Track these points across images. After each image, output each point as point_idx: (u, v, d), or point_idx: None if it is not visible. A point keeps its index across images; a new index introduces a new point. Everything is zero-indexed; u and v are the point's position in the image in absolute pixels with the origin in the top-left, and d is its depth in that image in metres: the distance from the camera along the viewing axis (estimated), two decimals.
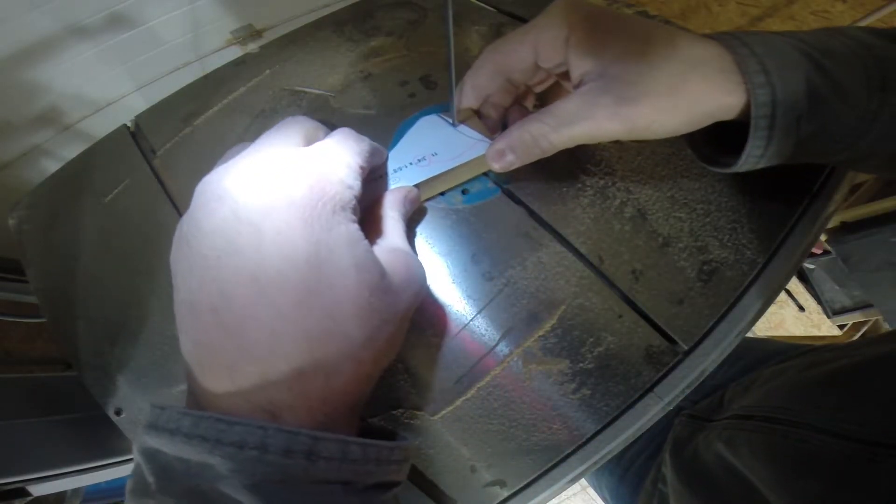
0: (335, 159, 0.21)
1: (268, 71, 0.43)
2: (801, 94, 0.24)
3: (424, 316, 0.30)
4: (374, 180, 0.29)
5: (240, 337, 0.17)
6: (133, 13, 0.78)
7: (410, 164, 0.30)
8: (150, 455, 0.17)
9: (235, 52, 0.93)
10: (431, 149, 0.30)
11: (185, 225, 0.19)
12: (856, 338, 1.14)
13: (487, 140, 0.30)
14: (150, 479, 0.16)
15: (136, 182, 0.38)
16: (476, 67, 0.29)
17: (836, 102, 0.24)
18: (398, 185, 0.29)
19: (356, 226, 0.20)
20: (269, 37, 0.94)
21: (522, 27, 0.27)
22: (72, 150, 0.44)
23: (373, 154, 0.26)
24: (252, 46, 0.74)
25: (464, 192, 0.34)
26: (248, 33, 0.93)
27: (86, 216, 0.38)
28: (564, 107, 0.26)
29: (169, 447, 0.16)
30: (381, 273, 0.20)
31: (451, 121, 0.31)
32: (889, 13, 0.97)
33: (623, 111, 0.24)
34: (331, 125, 0.26)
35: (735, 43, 0.25)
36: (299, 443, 0.16)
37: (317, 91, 0.41)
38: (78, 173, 0.41)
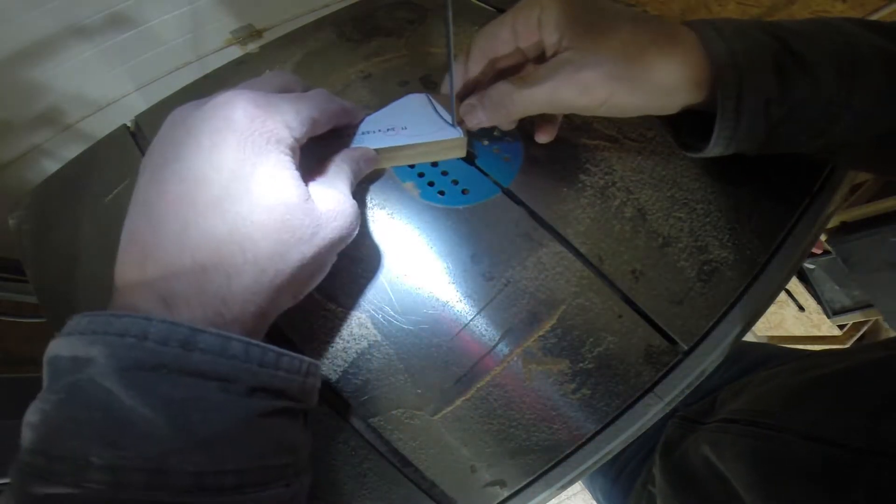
0: (286, 104, 0.22)
1: (268, 71, 0.43)
2: (769, 75, 0.24)
3: (424, 316, 0.30)
4: (338, 138, 0.30)
5: (158, 228, 0.19)
6: (133, 13, 0.78)
7: (379, 131, 0.30)
8: (49, 360, 0.18)
9: (235, 52, 0.93)
10: (404, 122, 0.31)
11: (152, 141, 0.22)
12: (856, 338, 1.14)
13: (460, 129, 0.31)
14: (45, 382, 0.18)
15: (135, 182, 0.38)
16: (466, 52, 0.30)
17: (805, 85, 0.24)
18: (361, 146, 0.30)
19: (288, 157, 0.22)
20: (269, 37, 0.94)
21: (505, 14, 0.28)
22: (72, 150, 0.44)
23: (339, 113, 0.27)
24: (252, 46, 0.74)
25: (464, 192, 0.34)
26: (248, 33, 0.93)
27: (86, 216, 0.38)
28: (532, 72, 0.27)
29: (66, 349, 0.17)
30: (304, 196, 0.21)
31: (438, 107, 0.32)
32: (889, 13, 0.97)
33: (580, 77, 0.25)
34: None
35: (702, 25, 0.25)
36: (178, 333, 0.17)
37: None
38: (78, 173, 0.41)
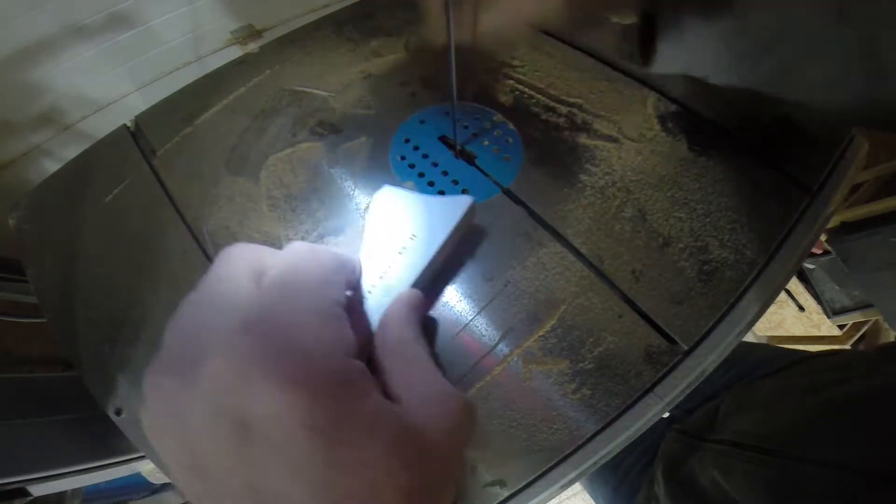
0: (318, 327, 0.17)
1: (268, 71, 0.43)
2: None
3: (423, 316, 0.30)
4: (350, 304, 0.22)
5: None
6: (133, 13, 0.78)
7: (393, 260, 0.24)
8: None
9: (235, 52, 0.92)
10: (406, 231, 0.25)
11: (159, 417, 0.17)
12: (856, 338, 1.14)
13: (463, 196, 0.27)
14: None
15: (136, 182, 0.38)
16: None
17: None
18: (387, 296, 0.23)
19: (374, 400, 0.16)
20: (269, 37, 0.94)
21: None
22: (72, 150, 0.43)
23: (350, 273, 0.21)
24: (252, 46, 0.74)
25: (463, 192, 0.34)
26: (248, 33, 0.92)
27: (86, 216, 0.38)
28: None
29: None
30: (421, 442, 0.16)
31: (409, 193, 0.27)
32: None
33: None
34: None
35: None
36: None
37: (317, 91, 0.41)
38: (78, 173, 0.41)
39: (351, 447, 0.15)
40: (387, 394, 0.18)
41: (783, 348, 0.52)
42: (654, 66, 0.27)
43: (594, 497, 0.58)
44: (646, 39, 0.29)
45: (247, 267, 0.19)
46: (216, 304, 0.18)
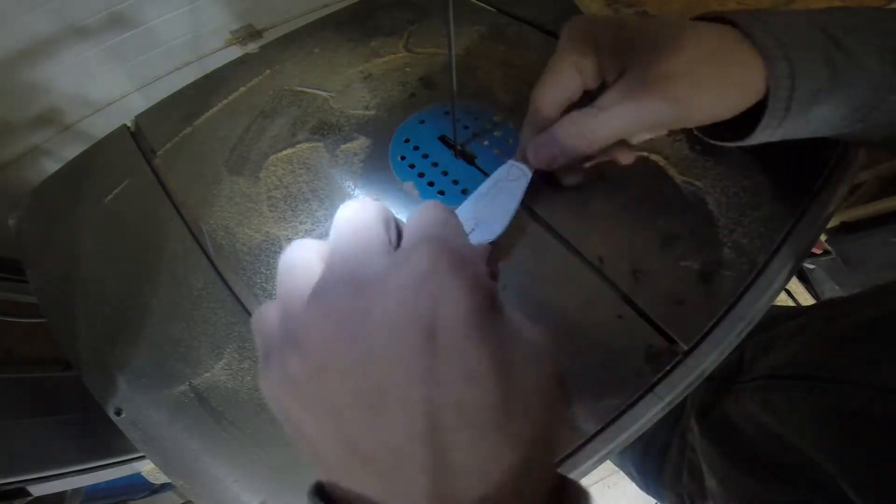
0: (462, 234, 0.18)
1: (268, 71, 0.43)
2: (819, 64, 0.24)
3: None
4: None
5: (450, 478, 0.14)
6: (133, 13, 0.78)
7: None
8: None
9: (235, 52, 0.92)
10: (468, 223, 0.27)
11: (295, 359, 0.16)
12: None
13: (509, 163, 0.29)
14: None
15: (136, 182, 0.38)
16: (532, 112, 0.29)
17: (854, 76, 0.24)
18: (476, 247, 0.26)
19: (517, 316, 0.17)
20: (269, 37, 0.94)
21: (550, 61, 0.27)
22: (72, 150, 0.43)
23: None
24: (252, 46, 0.74)
25: (463, 192, 0.34)
26: (248, 33, 0.92)
27: (86, 216, 0.38)
28: (605, 96, 0.25)
29: None
30: (557, 375, 0.18)
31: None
32: None
33: (661, 87, 0.24)
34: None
35: (748, 21, 0.25)
36: None
37: (317, 91, 0.41)
38: (78, 173, 0.41)
39: (506, 351, 0.15)
40: None
41: (787, 306, 0.52)
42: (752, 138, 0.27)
43: (622, 465, 0.57)
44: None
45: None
46: (373, 230, 0.18)
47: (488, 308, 0.16)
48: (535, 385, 0.16)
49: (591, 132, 0.26)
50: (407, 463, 0.14)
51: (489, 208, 0.28)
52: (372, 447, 0.15)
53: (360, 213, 0.18)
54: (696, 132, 0.31)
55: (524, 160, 0.29)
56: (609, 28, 0.26)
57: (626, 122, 0.25)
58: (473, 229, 0.27)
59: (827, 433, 0.30)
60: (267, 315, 0.17)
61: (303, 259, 0.18)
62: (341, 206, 0.18)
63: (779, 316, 0.46)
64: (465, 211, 0.28)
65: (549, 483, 0.17)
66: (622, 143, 0.30)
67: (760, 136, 0.26)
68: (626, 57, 0.25)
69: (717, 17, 0.26)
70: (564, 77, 0.27)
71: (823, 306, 0.42)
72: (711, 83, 0.24)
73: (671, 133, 0.35)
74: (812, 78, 0.24)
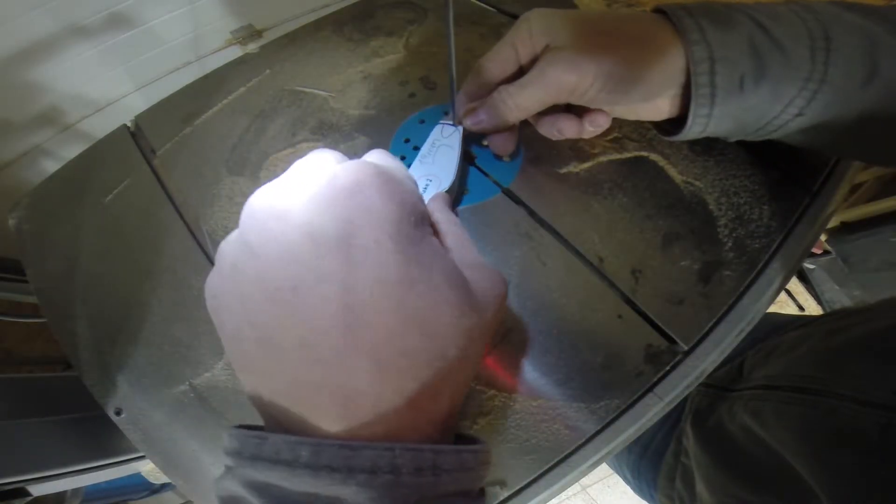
0: (402, 170, 0.20)
1: (268, 71, 0.43)
2: (743, 51, 0.24)
3: None
4: None
5: (345, 372, 0.16)
6: (133, 13, 0.78)
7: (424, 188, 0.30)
8: (262, 489, 0.15)
9: (235, 52, 0.92)
10: (427, 173, 0.31)
11: (234, 252, 0.17)
12: None
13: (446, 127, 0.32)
14: None
15: (136, 182, 0.38)
16: (471, 80, 0.31)
17: (779, 62, 0.24)
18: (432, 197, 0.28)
19: (437, 239, 0.19)
20: (269, 37, 0.94)
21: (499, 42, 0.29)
22: (72, 150, 0.44)
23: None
24: (252, 46, 0.74)
25: (463, 192, 0.34)
26: (248, 33, 0.93)
27: (86, 216, 0.38)
28: (530, 72, 0.27)
29: (288, 481, 0.15)
30: (468, 289, 0.19)
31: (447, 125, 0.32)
32: None
33: (566, 55, 0.26)
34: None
35: (676, 9, 0.26)
36: (425, 459, 0.16)
37: (317, 91, 0.41)
38: (78, 173, 0.41)
39: (421, 268, 0.17)
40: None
41: (792, 315, 0.52)
42: (683, 133, 0.28)
43: (618, 469, 0.57)
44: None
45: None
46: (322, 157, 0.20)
47: (410, 224, 0.17)
48: (440, 310, 0.17)
49: (508, 98, 0.28)
50: (315, 356, 0.16)
51: (435, 165, 0.31)
52: (285, 340, 0.16)
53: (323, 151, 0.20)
54: (651, 125, 0.31)
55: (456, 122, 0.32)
56: (556, 19, 0.27)
57: (535, 92, 0.27)
58: (427, 185, 0.30)
59: (810, 445, 0.30)
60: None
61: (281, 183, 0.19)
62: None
63: (783, 325, 0.46)
64: (415, 171, 0.31)
65: (443, 413, 0.18)
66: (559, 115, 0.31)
67: (696, 125, 0.27)
68: (553, 36, 0.27)
69: (657, 8, 0.27)
70: (503, 55, 0.29)
71: (825, 319, 0.42)
72: (632, 65, 0.25)
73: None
74: (734, 63, 0.24)
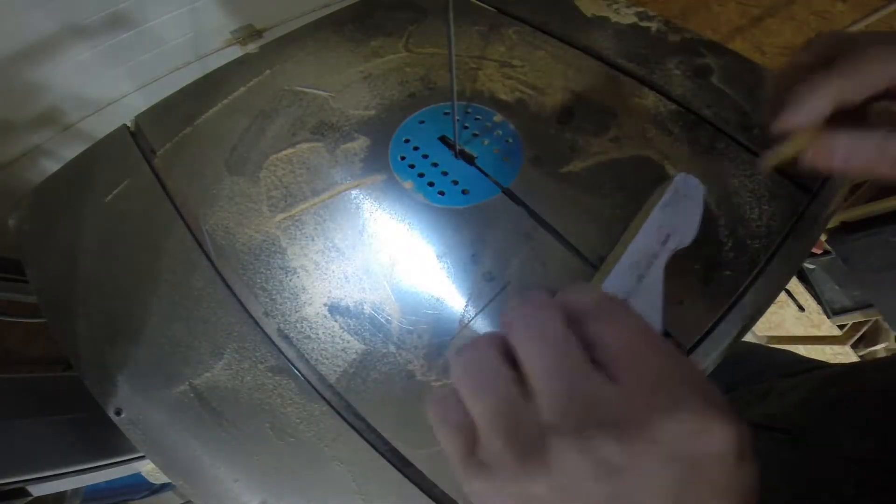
0: (711, 393, 0.16)
1: (268, 71, 0.43)
2: None
3: (424, 316, 0.30)
4: None
5: None
6: (133, 13, 0.78)
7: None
8: None
9: (235, 52, 0.92)
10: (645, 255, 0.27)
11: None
12: (856, 338, 1.14)
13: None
14: None
15: (136, 182, 0.38)
16: (811, 90, 0.22)
17: None
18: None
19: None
20: (269, 37, 0.94)
21: (853, 57, 0.22)
22: (72, 150, 0.43)
23: None
24: (252, 46, 0.74)
25: (464, 192, 0.34)
26: (248, 33, 0.92)
27: (86, 216, 0.38)
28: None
29: None
30: None
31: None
32: (889, 13, 0.97)
33: None
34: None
35: None
36: None
37: (317, 91, 0.41)
38: (78, 173, 0.41)
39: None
40: None
41: (797, 356, 0.52)
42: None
43: None
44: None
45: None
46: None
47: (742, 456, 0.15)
48: None
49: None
50: None
51: (676, 217, 0.29)
52: None
53: (538, 310, 0.17)
54: None
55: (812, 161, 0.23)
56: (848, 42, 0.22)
57: None
58: (667, 238, 0.28)
59: (791, 491, 0.30)
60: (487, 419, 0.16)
61: (487, 364, 0.16)
62: (512, 300, 0.17)
63: (781, 364, 0.46)
64: (656, 221, 0.28)
65: None
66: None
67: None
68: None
69: None
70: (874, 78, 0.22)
71: (823, 372, 0.43)
72: None
73: (671, 132, 0.35)
74: None
